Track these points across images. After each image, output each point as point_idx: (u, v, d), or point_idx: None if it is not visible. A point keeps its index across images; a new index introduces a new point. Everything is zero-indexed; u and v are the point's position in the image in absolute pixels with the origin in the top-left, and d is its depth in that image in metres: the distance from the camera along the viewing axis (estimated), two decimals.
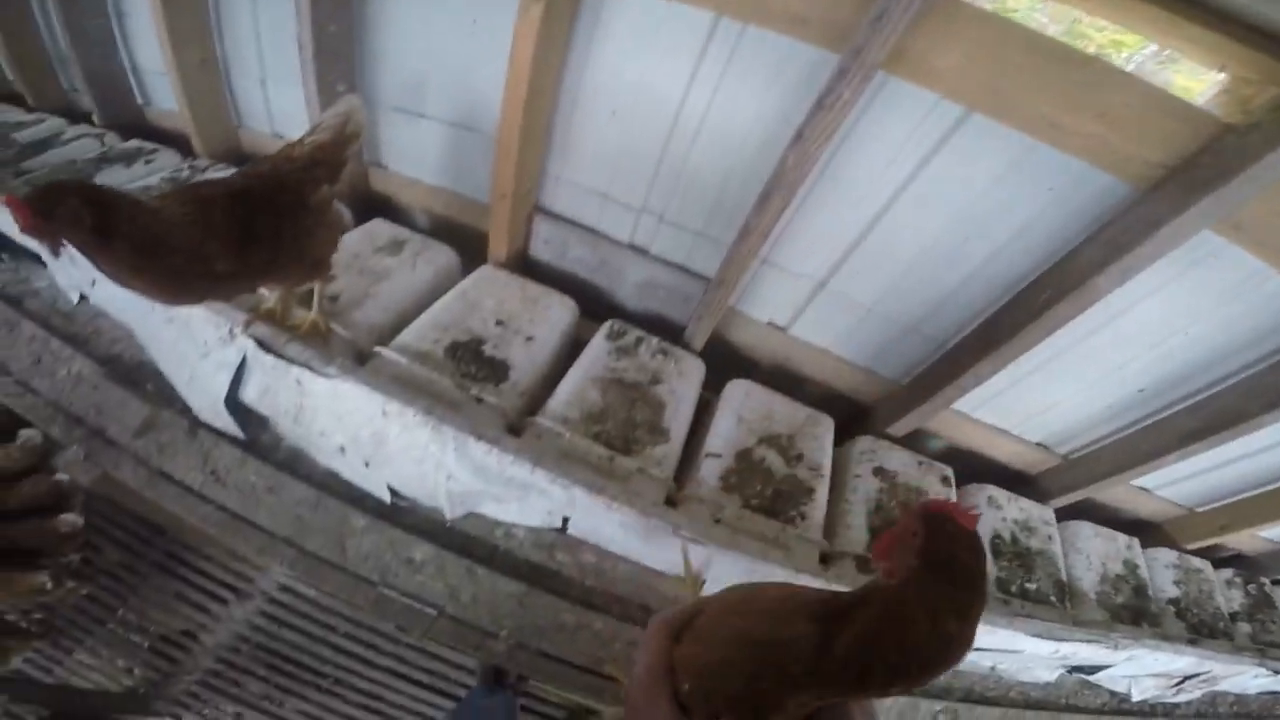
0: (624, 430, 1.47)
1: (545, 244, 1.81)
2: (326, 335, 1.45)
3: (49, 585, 2.14)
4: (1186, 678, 1.85)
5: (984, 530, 1.61)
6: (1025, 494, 1.78)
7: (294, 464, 1.52)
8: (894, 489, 1.62)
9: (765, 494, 1.49)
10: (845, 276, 1.60)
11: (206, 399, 1.48)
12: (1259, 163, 1.01)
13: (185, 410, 1.57)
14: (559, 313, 1.68)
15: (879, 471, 1.65)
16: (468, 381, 1.44)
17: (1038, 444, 1.79)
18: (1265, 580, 2.20)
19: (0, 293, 1.75)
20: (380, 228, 1.79)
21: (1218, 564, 2.07)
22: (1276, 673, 1.87)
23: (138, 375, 1.64)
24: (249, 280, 1.18)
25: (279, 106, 1.91)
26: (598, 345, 1.65)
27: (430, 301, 1.62)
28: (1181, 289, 1.37)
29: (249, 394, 1.46)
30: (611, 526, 1.35)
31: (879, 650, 0.44)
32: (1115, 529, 1.86)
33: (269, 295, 1.45)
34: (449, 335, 1.52)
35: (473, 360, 1.48)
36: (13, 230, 1.21)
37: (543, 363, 1.57)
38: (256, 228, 1.06)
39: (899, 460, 1.69)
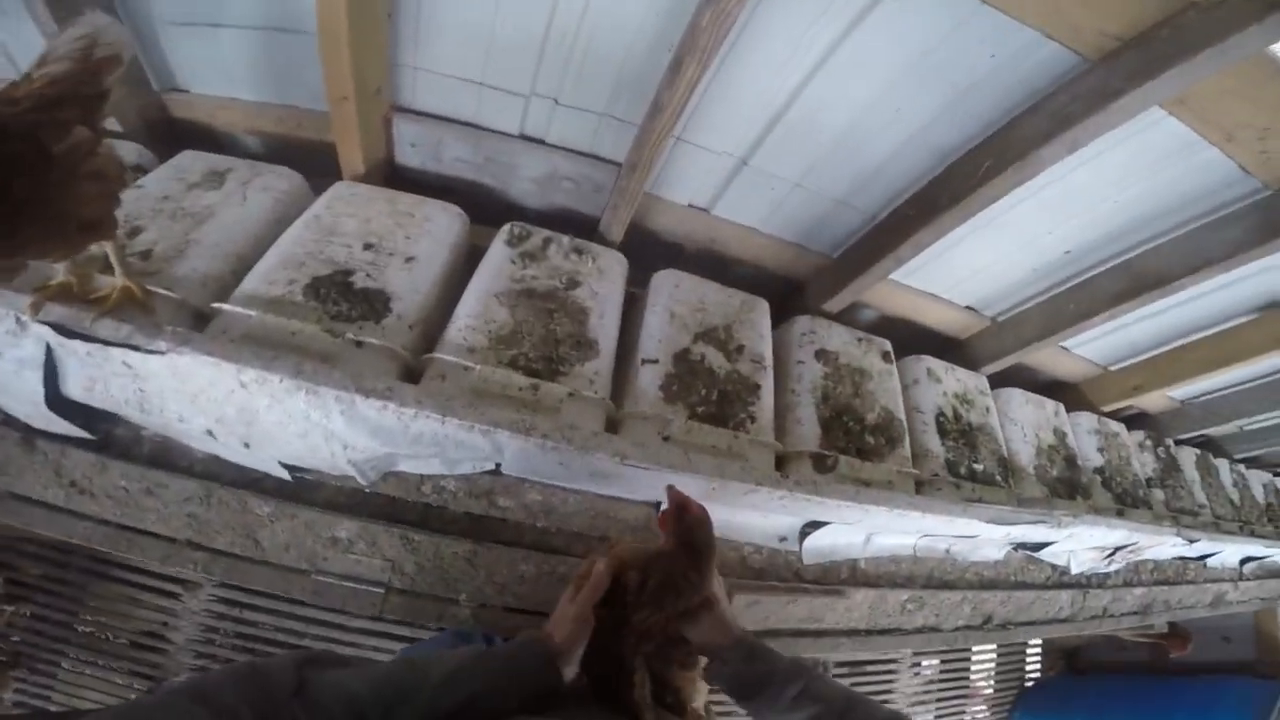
0: (545, 349, 1.23)
1: (414, 148, 1.46)
2: (145, 300, 1.10)
3: None
4: (1117, 549, 1.93)
5: (928, 408, 1.63)
6: (958, 361, 1.75)
7: (165, 457, 1.20)
8: (838, 372, 1.51)
9: (710, 398, 1.32)
10: (769, 151, 1.41)
11: (26, 405, 1.14)
12: (1224, 41, 0.96)
13: (9, 420, 1.24)
14: (443, 223, 1.37)
15: (821, 354, 1.53)
16: (340, 324, 1.15)
17: (967, 307, 1.75)
18: (1170, 442, 2.32)
19: None
20: (190, 160, 1.38)
21: (1128, 426, 2.14)
22: (1190, 541, 1.97)
23: None
24: None
25: (19, 48, 1.37)
26: (497, 254, 1.36)
27: (275, 236, 1.27)
28: (1115, 158, 1.33)
29: (73, 390, 1.13)
30: (550, 465, 1.14)
31: (663, 591, 0.74)
32: (1037, 392, 1.86)
33: (57, 268, 1.10)
34: (305, 272, 1.20)
35: (342, 297, 1.17)
36: None
37: (431, 286, 1.28)
38: None
39: (839, 339, 1.58)
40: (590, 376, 1.24)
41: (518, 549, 1.22)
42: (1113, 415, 2.08)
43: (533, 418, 1.08)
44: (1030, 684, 3.18)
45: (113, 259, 1.07)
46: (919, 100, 1.26)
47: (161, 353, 1.02)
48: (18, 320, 1.05)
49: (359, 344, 1.14)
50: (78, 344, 1.05)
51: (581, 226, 1.56)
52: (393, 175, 1.52)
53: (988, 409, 1.66)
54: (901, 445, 1.46)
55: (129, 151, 1.46)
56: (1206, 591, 2.40)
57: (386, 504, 1.22)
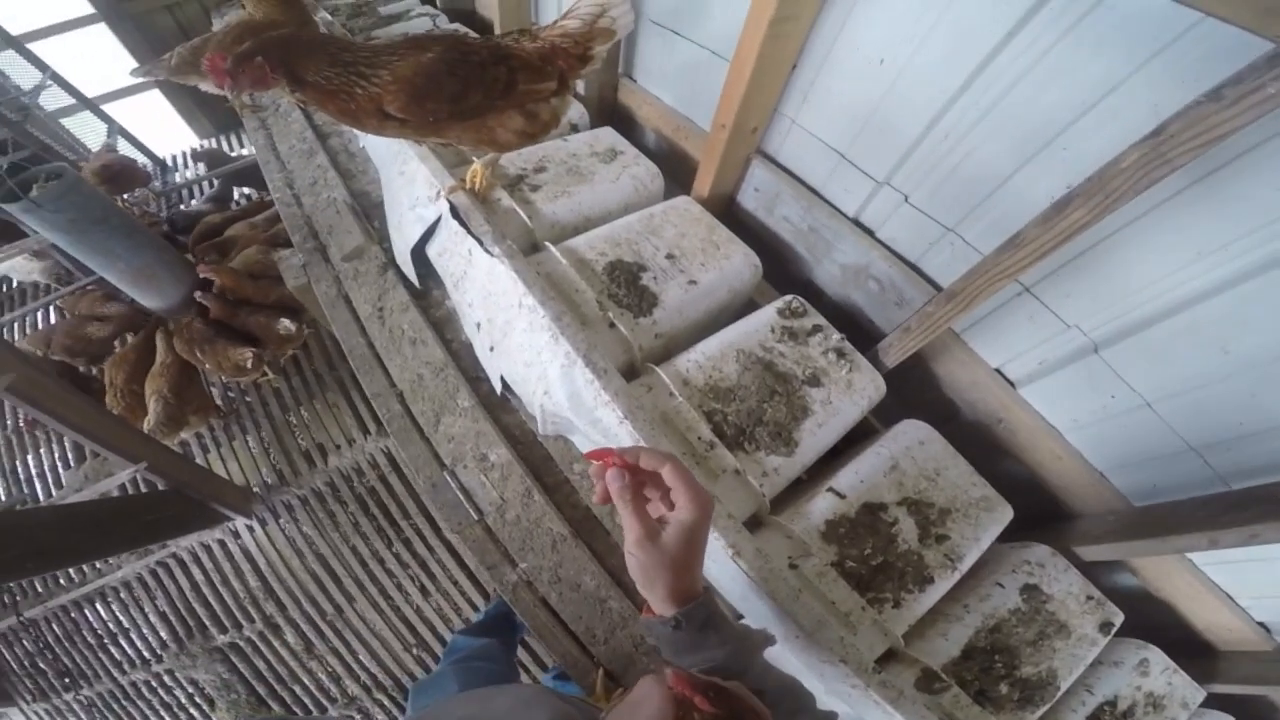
0: (744, 421, 1.44)
1: (755, 192, 1.85)
2: (482, 195, 1.78)
3: (249, 365, 3.21)
4: None
5: (1103, 691, 1.56)
6: (1193, 667, 1.62)
7: (444, 326, 1.87)
8: (1033, 615, 1.50)
9: (870, 560, 1.37)
10: (1136, 349, 1.37)
11: (402, 245, 1.88)
12: None
13: (389, 250, 2.03)
14: (737, 265, 1.70)
15: (1029, 591, 1.52)
16: (610, 303, 1.57)
17: (1260, 624, 1.60)
18: None
19: (315, 127, 2.63)
20: (605, 135, 2.04)
21: None
22: None
23: (372, 212, 2.15)
24: (423, 128, 1.42)
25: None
26: (764, 316, 1.64)
27: (619, 214, 1.81)
28: None
29: (431, 250, 1.83)
30: None
31: None
32: None
33: (474, 168, 1.81)
34: (616, 252, 1.67)
35: (626, 284, 1.60)
36: None
37: (695, 312, 1.63)
38: (444, 86, 1.33)
39: (1065, 587, 1.54)
40: (768, 470, 1.40)
41: (596, 564, 1.48)
42: None
43: (691, 468, 1.42)
44: None
45: (488, 164, 1.73)
46: None
47: (492, 255, 1.59)
48: (438, 193, 1.74)
49: (611, 325, 1.55)
50: (454, 223, 1.68)
51: (861, 333, 1.72)
52: (727, 209, 1.91)
53: None
54: (1031, 711, 1.41)
55: (576, 112, 2.20)
56: None
57: (540, 459, 1.62)
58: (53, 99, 4.46)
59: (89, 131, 4.81)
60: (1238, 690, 1.68)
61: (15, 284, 4.26)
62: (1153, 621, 1.70)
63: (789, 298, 1.71)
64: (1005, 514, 1.58)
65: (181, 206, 4.37)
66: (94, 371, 3.56)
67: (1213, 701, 1.66)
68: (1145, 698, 1.60)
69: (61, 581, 3.59)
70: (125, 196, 4.14)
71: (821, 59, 1.57)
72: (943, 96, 1.38)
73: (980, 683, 1.44)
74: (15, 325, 4.13)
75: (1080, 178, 1.19)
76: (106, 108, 4.77)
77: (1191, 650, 1.72)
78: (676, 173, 2.02)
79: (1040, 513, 1.71)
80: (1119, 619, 1.59)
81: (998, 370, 1.65)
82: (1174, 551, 1.48)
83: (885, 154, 1.56)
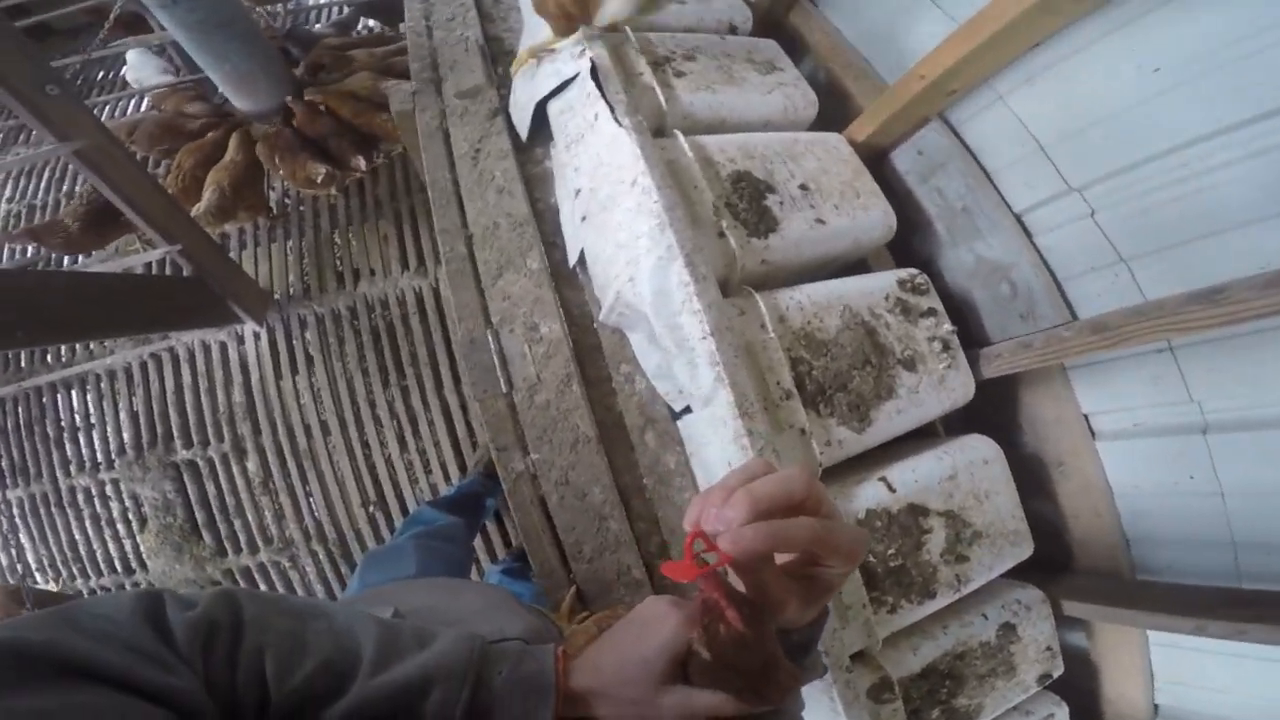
0: (828, 382, 1.33)
1: (917, 155, 1.68)
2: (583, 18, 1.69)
3: (320, 180, 3.14)
4: None
5: None
6: None
7: (536, 184, 1.75)
8: (999, 651, 1.49)
9: (889, 562, 1.32)
10: (1242, 444, 1.27)
11: (524, 94, 1.77)
12: None
13: (505, 96, 1.89)
14: (872, 221, 1.57)
15: (1005, 629, 1.50)
16: (726, 211, 1.44)
17: (1156, 705, 1.64)
18: None
19: None
20: (768, 46, 1.90)
21: None
22: None
23: (499, 58, 2.02)
24: None
25: None
26: (880, 281, 1.51)
27: (758, 128, 1.68)
28: None
29: (554, 107, 1.71)
30: (717, 453, 1.28)
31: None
32: None
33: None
34: (747, 164, 1.53)
35: (748, 199, 1.47)
36: None
37: (812, 253, 1.50)
38: None
39: (1036, 633, 1.53)
40: (833, 440, 1.30)
41: (610, 476, 1.39)
42: None
43: (759, 409, 1.22)
44: None
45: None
46: None
47: (621, 125, 1.48)
48: (583, 50, 1.64)
49: (721, 234, 1.42)
50: (591, 84, 1.57)
51: (967, 332, 1.60)
52: (875, 161, 1.74)
53: None
54: None
55: (740, 15, 2.05)
56: None
57: (591, 348, 1.51)
58: None
59: None
60: None
61: (119, 74, 4.26)
62: (1073, 683, 1.71)
63: (913, 271, 1.57)
64: (1025, 551, 1.53)
65: (306, 26, 4.33)
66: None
67: None
68: None
69: (48, 359, 3.46)
70: (259, 8, 4.12)
71: (1078, 47, 1.34)
72: (1208, 126, 1.17)
73: (920, 703, 1.44)
74: (106, 109, 4.14)
75: None
76: None
77: (1079, 713, 1.77)
78: (827, 111, 1.85)
79: (1043, 555, 1.66)
80: (1058, 673, 1.60)
81: (1085, 417, 1.54)
82: (1154, 628, 1.48)
83: (1095, 162, 1.37)
